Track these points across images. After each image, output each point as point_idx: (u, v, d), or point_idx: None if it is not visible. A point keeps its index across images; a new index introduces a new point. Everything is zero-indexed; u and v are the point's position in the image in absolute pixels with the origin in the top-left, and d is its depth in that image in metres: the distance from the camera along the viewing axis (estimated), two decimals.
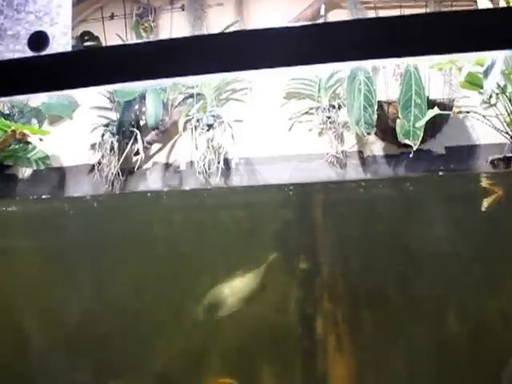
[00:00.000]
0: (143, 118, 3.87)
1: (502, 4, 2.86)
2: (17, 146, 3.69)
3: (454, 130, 3.49)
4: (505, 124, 3.02)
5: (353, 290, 3.45)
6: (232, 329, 3.52)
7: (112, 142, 3.81)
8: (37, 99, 3.71)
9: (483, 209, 3.09)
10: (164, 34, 3.99)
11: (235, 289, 3.47)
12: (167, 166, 3.90)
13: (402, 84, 3.26)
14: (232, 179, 3.74)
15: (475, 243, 3.28)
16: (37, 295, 3.72)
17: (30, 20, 1.04)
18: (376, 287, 3.38)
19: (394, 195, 3.58)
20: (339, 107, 3.63)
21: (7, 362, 3.57)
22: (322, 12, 3.80)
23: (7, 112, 3.94)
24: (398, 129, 3.21)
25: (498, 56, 2.37)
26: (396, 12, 3.50)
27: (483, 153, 3.40)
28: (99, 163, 3.85)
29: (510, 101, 2.94)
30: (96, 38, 4.03)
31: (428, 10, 3.56)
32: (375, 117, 3.30)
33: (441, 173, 3.44)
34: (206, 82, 3.54)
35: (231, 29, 3.68)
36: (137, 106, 3.89)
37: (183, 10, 4.00)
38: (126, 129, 3.83)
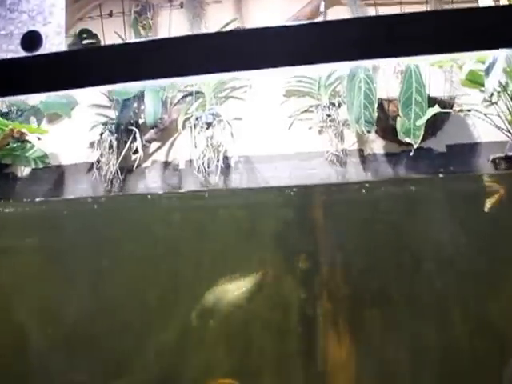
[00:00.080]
0: (142, 116, 3.86)
1: (504, 2, 2.83)
2: (15, 145, 3.68)
3: (455, 128, 3.47)
4: (506, 122, 3.00)
5: (353, 290, 3.44)
6: (232, 329, 3.51)
7: (111, 141, 3.80)
8: (35, 97, 3.69)
9: (486, 209, 3.07)
10: (163, 32, 3.97)
11: (235, 289, 3.45)
12: (166, 164, 3.88)
13: (402, 82, 3.23)
14: (231, 178, 3.72)
15: (478, 245, 3.26)
16: (28, 305, 3.71)
17: (23, 19, 1.02)
18: (376, 287, 3.36)
19: (396, 196, 3.56)
20: (339, 105, 3.61)
21: (7, 362, 3.57)
22: (322, 9, 3.77)
23: (5, 110, 3.93)
24: (398, 127, 3.19)
25: (500, 54, 2.34)
26: (396, 9, 3.48)
27: (485, 151, 3.38)
28: (98, 162, 3.84)
29: (511, 99, 2.92)
30: (94, 36, 4.02)
31: (428, 8, 3.53)
32: (375, 115, 3.28)
33: (442, 174, 3.41)
34: (205, 80, 3.52)
35: (230, 26, 3.67)
36: (135, 104, 3.88)
37: (182, 7, 3.98)
38: (124, 127, 3.82)
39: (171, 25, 3.98)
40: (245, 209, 3.74)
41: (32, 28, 1.01)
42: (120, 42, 3.78)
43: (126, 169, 3.85)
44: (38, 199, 3.93)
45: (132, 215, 3.71)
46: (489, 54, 2.36)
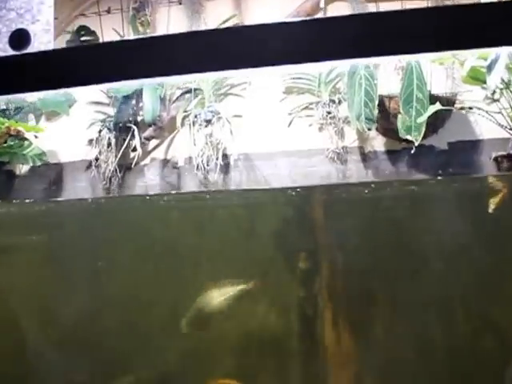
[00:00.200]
0: (140, 113, 3.83)
1: None
2: (12, 143, 3.66)
3: (457, 125, 3.43)
4: (508, 119, 2.96)
5: (354, 290, 3.42)
6: (232, 329, 3.49)
7: (109, 138, 3.78)
8: (33, 95, 3.66)
9: (490, 210, 3.04)
10: (161, 28, 3.95)
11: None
12: (165, 162, 3.86)
13: (403, 78, 3.20)
14: (231, 175, 3.70)
15: (479, 245, 3.24)
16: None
17: (11, 17, 0.99)
18: (378, 287, 3.35)
19: (396, 196, 3.54)
20: (339, 102, 3.59)
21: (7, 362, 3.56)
22: (322, 5, 3.74)
23: (3, 107, 3.91)
24: (399, 124, 3.15)
25: (503, 50, 2.31)
26: (397, 5, 3.44)
27: (487, 149, 3.34)
28: (96, 159, 3.82)
29: None
30: (93, 33, 3.99)
31: (429, 4, 3.50)
32: (376, 112, 3.25)
33: (444, 175, 3.38)
34: (204, 77, 3.49)
35: (229, 23, 3.64)
36: (134, 102, 3.85)
37: (180, 3, 3.95)
38: (123, 125, 3.80)
39: (170, 21, 3.95)
40: (245, 209, 3.72)
41: (20, 26, 0.98)
42: (118, 38, 3.76)
43: (125, 166, 3.83)
44: (27, 200, 3.91)
45: (130, 216, 3.70)
46: (491, 51, 2.33)
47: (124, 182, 3.83)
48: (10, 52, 0.99)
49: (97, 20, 4.01)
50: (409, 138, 3.12)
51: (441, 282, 3.23)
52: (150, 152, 3.89)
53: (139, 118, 3.85)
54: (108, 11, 4.03)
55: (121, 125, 3.80)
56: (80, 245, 3.72)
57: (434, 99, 3.12)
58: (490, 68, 2.53)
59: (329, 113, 3.57)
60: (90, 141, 3.86)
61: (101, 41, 3.90)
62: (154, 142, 3.89)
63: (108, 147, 3.78)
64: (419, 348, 3.23)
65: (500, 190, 3.18)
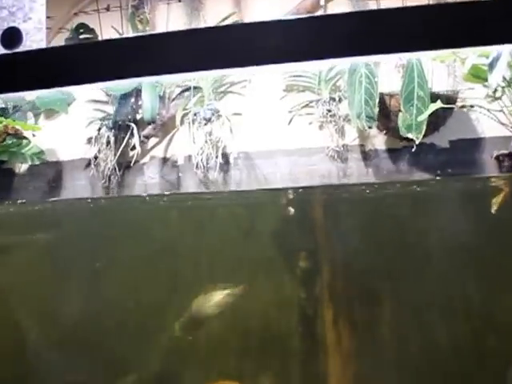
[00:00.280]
0: (140, 111, 3.81)
1: None
2: (10, 142, 3.64)
3: (458, 124, 3.41)
4: (510, 118, 2.94)
5: (354, 290, 3.41)
6: (232, 329, 3.48)
7: (108, 137, 3.77)
8: (31, 93, 3.65)
9: (493, 210, 3.02)
10: (160, 26, 3.93)
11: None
12: (165, 160, 3.84)
13: (404, 76, 3.18)
14: (231, 174, 3.68)
15: (478, 244, 3.23)
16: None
17: (3, 16, 0.97)
18: (378, 287, 3.34)
19: (396, 196, 3.53)
20: (340, 100, 3.57)
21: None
22: (322, 2, 3.72)
23: (2, 106, 3.89)
24: (400, 122, 3.13)
25: (504, 48, 2.29)
26: (397, 2, 3.42)
27: (488, 147, 3.32)
28: (96, 158, 3.81)
29: None
30: (91, 31, 3.98)
31: (430, 1, 3.48)
32: (377, 110, 3.23)
33: (444, 174, 3.37)
34: (203, 75, 3.47)
35: (228, 20, 3.62)
36: (133, 100, 3.84)
37: (180, 1, 3.93)
38: (122, 123, 3.78)
39: (169, 19, 3.93)
40: (245, 209, 3.71)
41: (12, 24, 0.96)
42: (117, 36, 3.74)
43: (124, 165, 3.81)
44: (20, 201, 3.91)
45: (128, 216, 3.69)
46: (493, 49, 2.31)
47: (123, 181, 3.82)
48: (2, 51, 0.98)
49: (96, 18, 3.99)
50: (409, 136, 3.10)
51: (441, 281, 3.22)
52: (149, 150, 3.87)
53: (138, 116, 3.83)
54: (107, 9, 4.01)
55: (120, 123, 3.78)
56: (80, 245, 3.71)
57: (435, 97, 3.10)
58: (491, 66, 2.51)
59: (329, 111, 3.55)
60: (89, 139, 3.85)
61: (100, 39, 3.88)
62: (153, 141, 3.88)
63: (107, 145, 3.76)
64: (419, 348, 3.22)
65: (502, 190, 3.16)
